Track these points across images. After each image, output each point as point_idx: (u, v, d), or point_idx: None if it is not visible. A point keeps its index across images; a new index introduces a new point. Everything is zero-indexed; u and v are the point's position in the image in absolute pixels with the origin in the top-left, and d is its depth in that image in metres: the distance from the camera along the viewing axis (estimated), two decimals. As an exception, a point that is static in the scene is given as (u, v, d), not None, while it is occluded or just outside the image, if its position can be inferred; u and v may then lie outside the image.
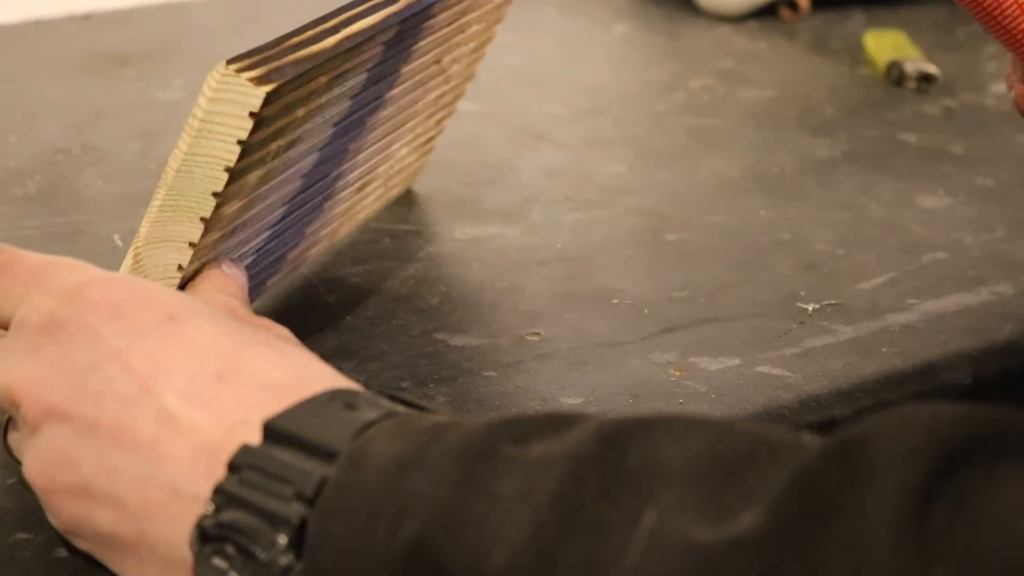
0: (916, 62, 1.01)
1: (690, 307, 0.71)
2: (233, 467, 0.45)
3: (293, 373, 0.48)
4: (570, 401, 0.63)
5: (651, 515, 0.40)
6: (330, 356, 0.58)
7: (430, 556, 0.42)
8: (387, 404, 0.47)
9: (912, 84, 1.00)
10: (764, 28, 1.12)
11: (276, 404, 0.46)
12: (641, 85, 1.03)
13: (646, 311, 0.70)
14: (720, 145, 0.92)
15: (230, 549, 0.44)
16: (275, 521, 0.44)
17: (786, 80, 1.03)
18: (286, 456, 0.45)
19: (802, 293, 0.72)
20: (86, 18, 1.11)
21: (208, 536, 0.45)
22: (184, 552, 0.46)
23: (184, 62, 1.03)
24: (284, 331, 0.55)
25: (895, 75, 1.01)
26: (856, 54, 1.07)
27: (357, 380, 0.49)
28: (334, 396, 0.47)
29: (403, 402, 0.48)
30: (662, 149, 0.91)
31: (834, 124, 0.95)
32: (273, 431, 0.46)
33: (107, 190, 0.82)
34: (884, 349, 0.67)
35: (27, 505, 0.53)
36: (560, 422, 0.44)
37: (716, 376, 0.65)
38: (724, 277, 0.74)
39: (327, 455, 0.44)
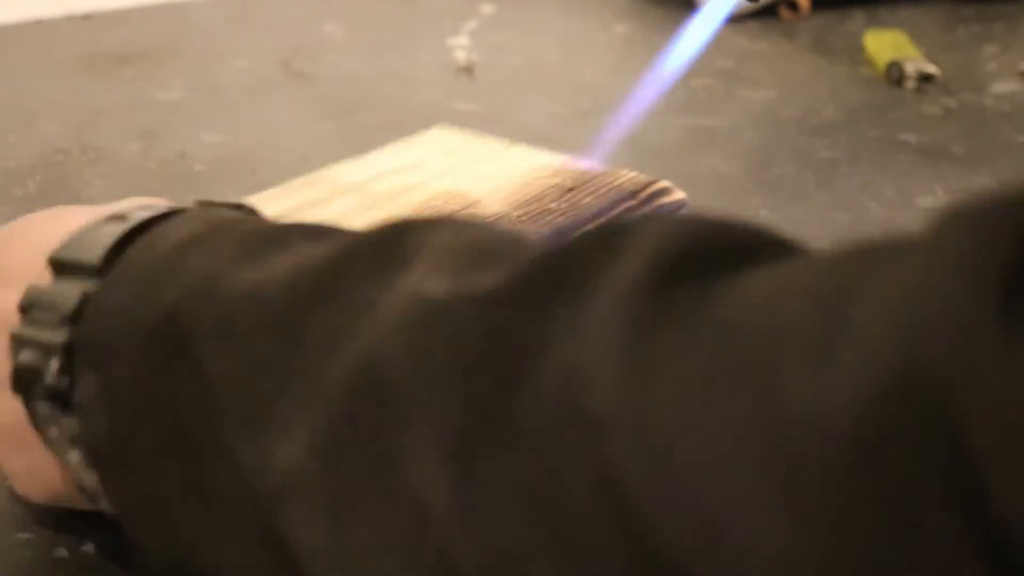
0: (916, 62, 1.01)
1: (690, 307, 0.71)
2: (23, 309, 0.46)
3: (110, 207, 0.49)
4: (570, 401, 0.63)
5: (403, 282, 0.39)
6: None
7: (180, 322, 0.42)
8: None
9: (912, 84, 1.00)
10: (764, 28, 1.12)
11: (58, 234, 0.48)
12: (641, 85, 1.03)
13: (646, 311, 0.70)
14: (720, 145, 0.92)
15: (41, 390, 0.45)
16: (47, 349, 0.45)
17: (786, 80, 1.03)
18: (66, 283, 0.45)
19: (802, 293, 0.72)
20: (86, 18, 1.11)
21: (19, 382, 0.45)
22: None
23: (184, 62, 1.03)
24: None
25: (895, 75, 1.01)
26: (856, 54, 1.07)
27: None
28: (134, 212, 0.47)
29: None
30: (662, 149, 0.91)
31: (834, 124, 0.95)
32: (56, 263, 0.46)
33: (107, 190, 0.82)
34: (884, 349, 0.67)
35: (27, 505, 0.53)
36: (359, 229, 0.44)
37: (716, 376, 0.65)
38: (724, 277, 0.74)
39: (99, 266, 0.45)
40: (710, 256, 0.36)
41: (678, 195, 0.76)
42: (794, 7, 1.15)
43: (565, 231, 0.68)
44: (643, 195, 0.73)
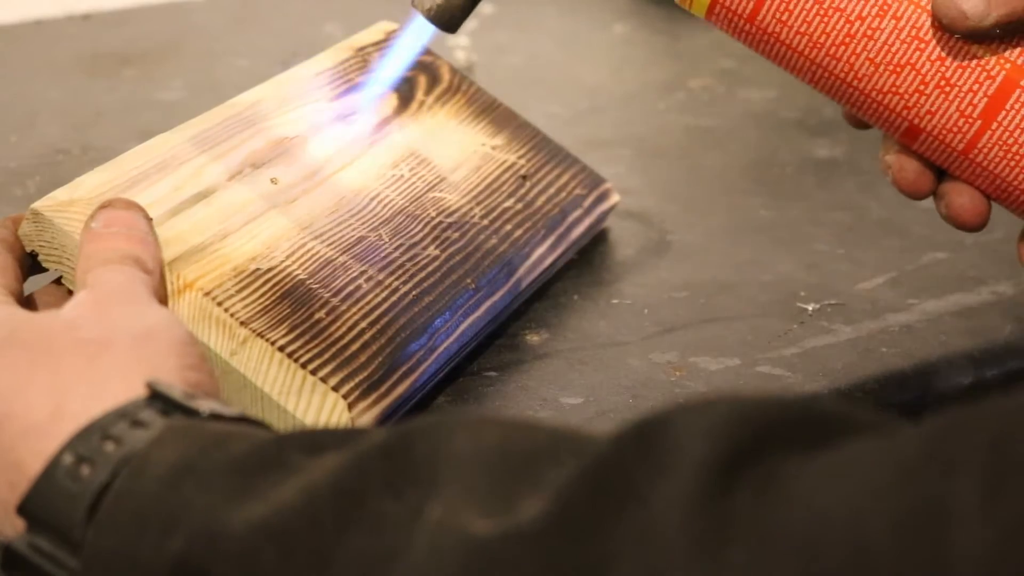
0: (916, 62, 1.01)
1: (690, 307, 0.71)
2: (3, 565, 0.45)
3: (49, 407, 0.46)
4: (570, 401, 0.63)
5: (435, 508, 0.37)
6: (330, 356, 0.58)
7: (196, 570, 0.40)
8: (149, 418, 0.45)
9: (912, 84, 1.00)
10: (764, 28, 1.12)
11: (32, 456, 0.45)
12: (641, 85, 1.03)
13: (646, 311, 0.70)
14: (720, 145, 0.92)
15: None
16: None
17: (786, 80, 1.02)
18: (45, 540, 0.44)
19: (802, 293, 0.72)
20: (86, 18, 1.11)
21: None
22: None
23: (184, 62, 1.03)
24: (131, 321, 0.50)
25: (895, 75, 1.01)
26: (856, 54, 1.07)
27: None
28: (67, 450, 0.45)
29: (185, 409, 0.46)
30: (662, 149, 0.91)
31: (834, 124, 0.95)
32: (28, 515, 0.45)
33: (107, 190, 0.82)
34: (884, 349, 0.67)
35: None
36: (358, 432, 0.42)
37: (716, 376, 0.65)
38: (724, 277, 0.74)
39: (72, 543, 0.43)
40: (755, 448, 0.34)
41: (615, 199, 0.77)
42: (794, 7, 1.15)
43: (521, 247, 0.69)
44: (587, 203, 0.75)
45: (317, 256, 0.61)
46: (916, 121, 0.58)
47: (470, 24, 1.14)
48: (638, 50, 1.12)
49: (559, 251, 0.71)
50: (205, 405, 0.46)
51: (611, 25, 1.14)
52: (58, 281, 0.58)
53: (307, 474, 0.40)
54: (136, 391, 0.46)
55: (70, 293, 0.57)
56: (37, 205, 0.57)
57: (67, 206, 0.58)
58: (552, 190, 0.73)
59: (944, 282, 0.73)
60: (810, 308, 0.71)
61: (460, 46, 1.07)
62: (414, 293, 0.62)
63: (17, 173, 0.84)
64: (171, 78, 1.00)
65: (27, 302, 0.57)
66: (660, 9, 1.16)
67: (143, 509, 0.42)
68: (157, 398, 0.46)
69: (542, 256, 0.70)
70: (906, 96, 0.57)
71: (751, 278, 0.74)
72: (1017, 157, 0.57)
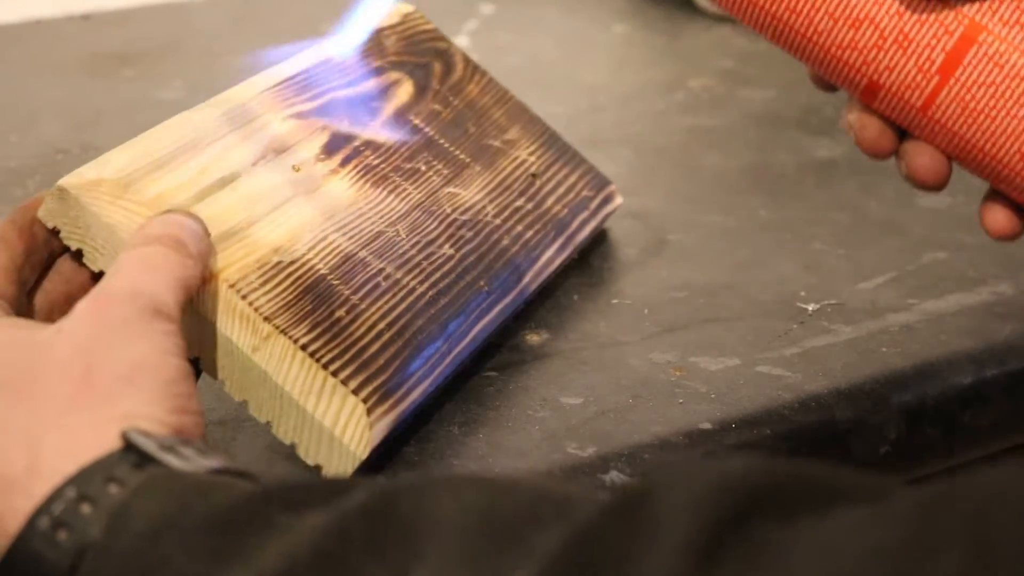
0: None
1: (690, 307, 0.71)
2: None
3: (25, 458, 0.45)
4: (570, 401, 0.63)
5: (418, 575, 0.37)
6: (330, 356, 0.58)
7: None
8: (125, 476, 0.44)
9: (912, 84, 1.00)
10: (764, 28, 1.12)
11: (10, 513, 0.45)
12: (641, 85, 1.03)
13: (646, 311, 0.70)
14: (720, 145, 0.92)
15: None
16: None
17: (786, 80, 1.03)
18: None
19: (802, 293, 0.72)
20: (86, 18, 1.11)
21: None
22: None
23: (184, 62, 1.03)
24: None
25: (895, 75, 1.01)
26: (856, 54, 1.07)
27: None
28: (43, 514, 0.44)
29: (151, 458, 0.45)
30: (662, 149, 0.91)
31: (834, 124, 0.95)
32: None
33: (107, 190, 0.82)
34: (884, 349, 0.67)
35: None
36: (341, 488, 0.42)
37: (716, 376, 0.65)
38: (724, 277, 0.74)
39: None
40: (740, 518, 0.34)
41: (618, 200, 0.77)
42: (794, 7, 1.15)
43: (531, 250, 0.69)
44: (594, 205, 0.75)
45: (338, 250, 0.61)
46: (875, 77, 0.58)
47: (470, 24, 1.14)
48: (638, 50, 1.12)
49: (565, 254, 0.71)
50: (177, 462, 0.45)
51: (611, 25, 1.14)
52: (79, 255, 0.58)
53: (290, 536, 0.40)
54: (113, 440, 0.45)
55: (92, 274, 0.57)
56: (64, 182, 0.57)
57: (95, 186, 0.57)
58: (561, 190, 0.73)
59: (944, 282, 0.73)
60: (810, 308, 0.71)
61: (460, 46, 1.07)
62: (430, 294, 0.62)
63: (17, 173, 0.84)
64: (171, 78, 1.00)
65: (36, 289, 0.57)
66: (660, 9, 1.16)
67: (126, 567, 0.42)
68: (132, 450, 0.45)
69: (550, 259, 0.70)
70: (864, 52, 0.57)
71: (751, 278, 0.74)
72: (974, 114, 0.57)
